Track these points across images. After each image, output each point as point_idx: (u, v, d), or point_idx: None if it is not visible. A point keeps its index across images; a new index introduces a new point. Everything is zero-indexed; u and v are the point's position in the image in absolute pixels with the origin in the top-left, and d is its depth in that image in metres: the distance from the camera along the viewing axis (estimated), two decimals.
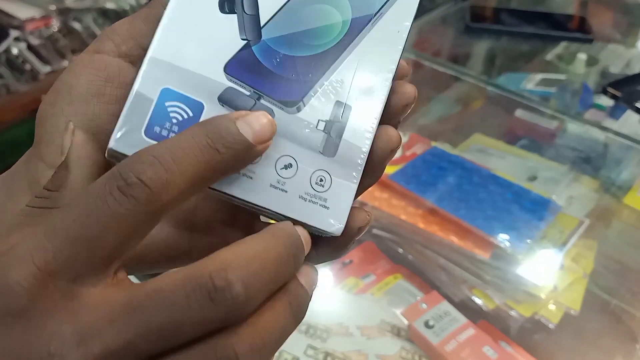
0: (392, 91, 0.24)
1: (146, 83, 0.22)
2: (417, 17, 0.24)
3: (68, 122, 0.22)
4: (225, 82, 0.22)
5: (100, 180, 0.19)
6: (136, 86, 0.21)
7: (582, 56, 1.00)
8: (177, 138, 0.19)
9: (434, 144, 0.80)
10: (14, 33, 1.09)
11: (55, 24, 1.13)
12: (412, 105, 0.25)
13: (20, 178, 0.23)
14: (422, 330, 0.55)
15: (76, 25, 1.17)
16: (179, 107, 0.22)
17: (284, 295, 0.20)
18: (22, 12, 1.12)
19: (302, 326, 0.55)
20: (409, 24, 0.24)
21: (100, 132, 0.22)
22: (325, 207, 0.22)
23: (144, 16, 0.24)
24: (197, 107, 0.22)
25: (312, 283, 0.21)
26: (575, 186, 0.76)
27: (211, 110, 0.22)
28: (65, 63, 1.14)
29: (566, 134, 0.87)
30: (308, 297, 0.21)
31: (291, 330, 0.21)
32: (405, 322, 0.57)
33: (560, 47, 1.06)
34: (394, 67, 0.24)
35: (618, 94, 0.90)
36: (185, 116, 0.22)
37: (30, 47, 1.11)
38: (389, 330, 0.56)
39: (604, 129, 0.84)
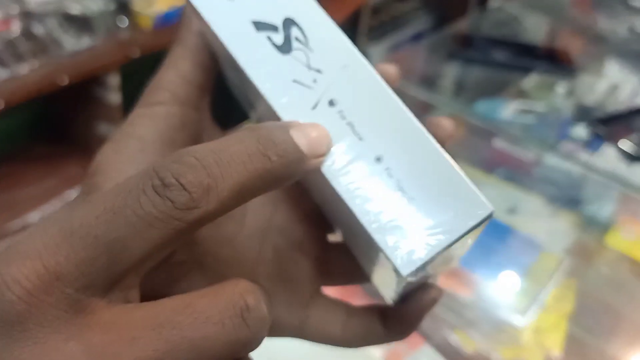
0: None
1: None
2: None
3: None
4: None
5: (133, 177, 0.16)
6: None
7: (559, 87, 1.00)
8: (224, 141, 0.17)
9: None
10: None
11: (16, 28, 1.07)
12: None
13: None
14: None
15: (39, 30, 1.11)
16: None
17: None
18: None
19: None
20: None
21: None
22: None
23: (181, 54, 0.23)
24: None
25: None
26: (555, 220, 0.75)
27: None
28: (25, 68, 1.07)
29: (543, 165, 0.86)
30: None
31: None
32: None
33: (538, 77, 1.06)
34: None
35: (602, 132, 0.89)
36: None
37: None
38: None
39: (582, 164, 0.83)
